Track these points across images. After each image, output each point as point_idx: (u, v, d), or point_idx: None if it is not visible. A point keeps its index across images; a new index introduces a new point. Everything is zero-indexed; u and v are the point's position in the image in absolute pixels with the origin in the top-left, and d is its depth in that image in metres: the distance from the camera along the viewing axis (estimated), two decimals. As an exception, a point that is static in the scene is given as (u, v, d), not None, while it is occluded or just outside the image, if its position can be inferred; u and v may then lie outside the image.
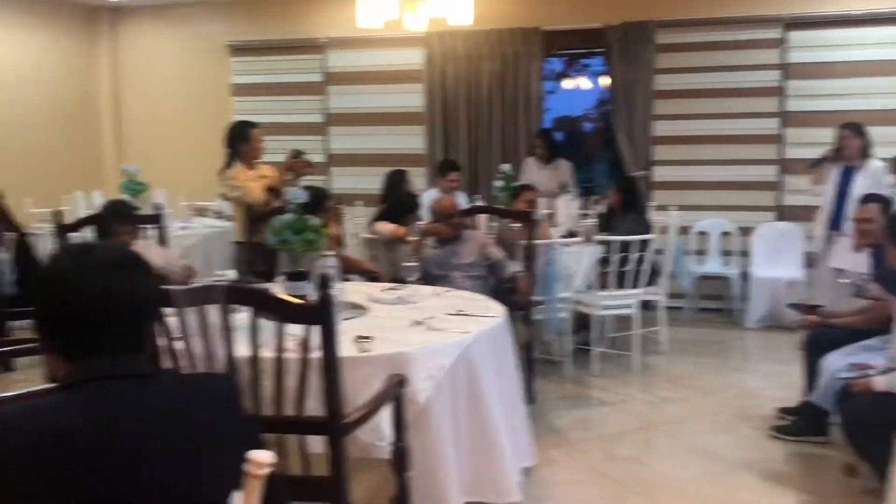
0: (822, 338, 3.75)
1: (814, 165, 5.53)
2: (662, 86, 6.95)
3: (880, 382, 3.07)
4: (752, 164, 6.74)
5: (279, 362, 2.13)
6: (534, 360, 4.58)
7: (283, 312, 2.08)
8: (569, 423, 4.29)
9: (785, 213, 6.70)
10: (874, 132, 6.36)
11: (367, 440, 2.63)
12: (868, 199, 4.02)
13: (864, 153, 5.30)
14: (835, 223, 5.31)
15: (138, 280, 1.35)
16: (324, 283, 2.05)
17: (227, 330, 2.12)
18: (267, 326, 2.19)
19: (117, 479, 1.22)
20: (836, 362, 3.48)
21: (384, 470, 2.64)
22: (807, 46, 6.62)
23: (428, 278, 4.43)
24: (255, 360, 2.14)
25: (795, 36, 6.64)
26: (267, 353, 2.23)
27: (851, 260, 5.06)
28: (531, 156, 6.88)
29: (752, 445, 3.94)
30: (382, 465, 2.64)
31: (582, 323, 5.45)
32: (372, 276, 4.54)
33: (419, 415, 2.67)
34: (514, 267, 4.39)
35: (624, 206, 5.82)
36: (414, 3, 4.92)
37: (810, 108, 6.50)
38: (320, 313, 2.03)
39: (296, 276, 3.14)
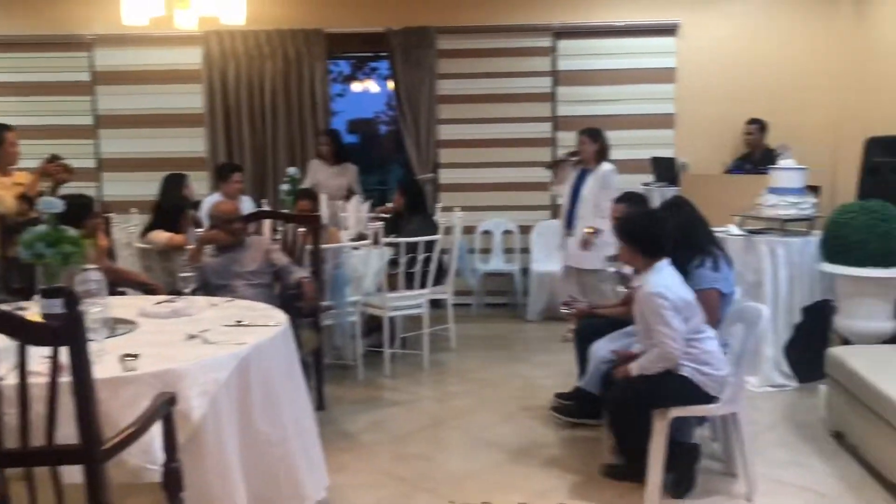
0: (589, 327, 4.03)
1: (551, 167, 5.89)
2: (445, 90, 7.15)
3: (634, 368, 3.33)
4: (528, 166, 7.10)
5: (23, 388, 1.93)
6: (323, 367, 4.54)
7: (24, 334, 1.88)
8: (360, 426, 4.29)
9: (559, 211, 7.13)
10: (638, 135, 6.99)
11: (137, 463, 2.46)
12: (621, 198, 4.33)
13: (599, 157, 5.62)
14: (568, 223, 5.62)
15: None
16: (71, 300, 1.88)
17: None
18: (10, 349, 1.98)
19: None
20: (602, 350, 3.75)
21: (156, 494, 2.48)
22: (574, 55, 7.10)
23: (208, 288, 4.25)
24: (-7, 389, 1.93)
25: (564, 44, 7.09)
26: (10, 378, 2.03)
27: (580, 258, 5.51)
28: (318, 157, 6.79)
29: (533, 433, 4.14)
30: (155, 489, 2.48)
31: (373, 325, 5.48)
32: (148, 289, 4.27)
33: (194, 433, 2.54)
34: (300, 273, 4.31)
35: (410, 208, 5.93)
36: (185, 1, 4.69)
37: (579, 113, 6.96)
38: (67, 333, 1.87)
39: (52, 293, 2.87)
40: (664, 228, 3.36)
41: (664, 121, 7.08)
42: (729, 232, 5.07)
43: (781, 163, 5.03)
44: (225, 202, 4.81)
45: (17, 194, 4.31)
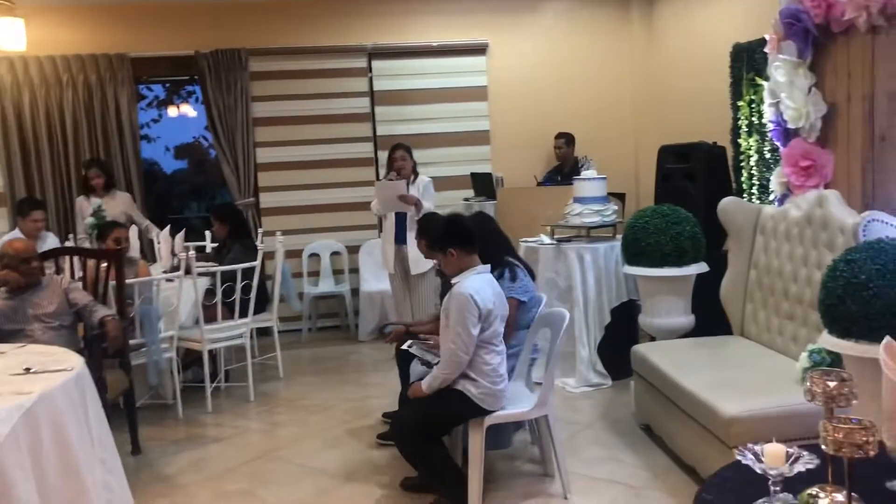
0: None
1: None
2: (261, 113, 7.03)
3: (425, 384, 3.37)
4: (352, 186, 7.11)
5: None
6: (135, 409, 4.30)
7: None
8: (179, 467, 4.08)
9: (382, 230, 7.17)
10: (456, 152, 7.17)
11: None
12: (417, 235, 4.34)
13: (415, 170, 5.68)
14: (399, 237, 5.65)
15: None
16: None
17: None
18: None
19: None
20: (418, 367, 3.78)
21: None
22: (390, 75, 7.18)
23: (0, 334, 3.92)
24: None
25: (378, 65, 7.17)
26: None
27: (419, 264, 5.57)
28: (86, 192, 6.25)
29: (360, 456, 4.11)
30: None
31: (190, 360, 5.26)
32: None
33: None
34: (103, 311, 4.06)
35: (231, 234, 5.75)
36: (-42, 26, 4.33)
37: (398, 132, 7.02)
38: None
39: None
40: (469, 224, 3.43)
41: (480, 137, 7.30)
42: (541, 241, 5.29)
43: (584, 173, 5.31)
44: (18, 240, 4.45)
45: None
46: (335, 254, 7.21)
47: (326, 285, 7.16)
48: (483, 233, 3.65)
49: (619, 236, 5.14)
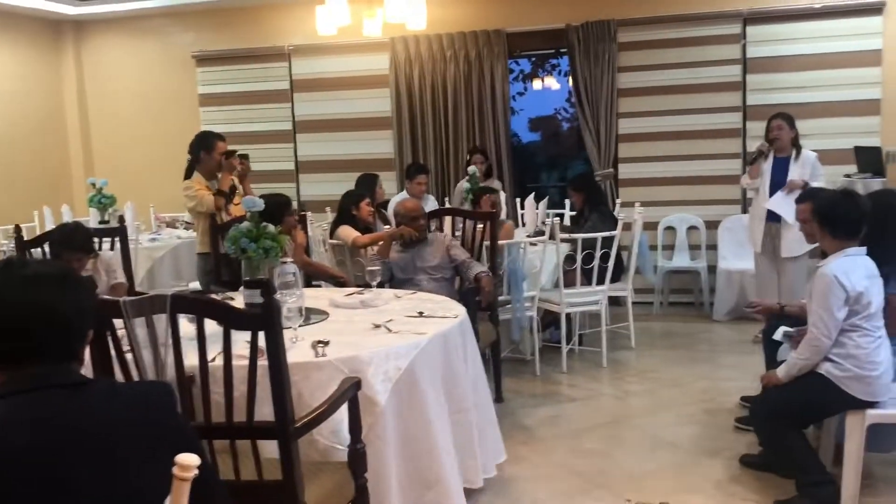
0: (777, 328, 3.81)
1: (751, 162, 5.48)
2: (625, 84, 7.02)
3: (782, 371, 3.15)
4: (715, 158, 6.82)
5: (227, 369, 2.15)
6: (501, 360, 4.62)
7: (227, 320, 2.10)
8: (537, 420, 4.33)
9: (749, 205, 6.78)
10: (837, 123, 6.53)
11: (328, 443, 2.66)
12: (801, 198, 3.94)
13: (795, 143, 5.26)
14: (773, 214, 5.28)
15: (68, 293, 1.40)
16: (267, 290, 2.07)
17: (174, 339, 2.14)
18: (217, 335, 2.21)
19: (43, 488, 1.25)
20: (787, 353, 3.54)
21: (344, 472, 2.65)
22: (764, 41, 6.72)
23: (394, 282, 4.47)
24: (203, 368, 2.16)
25: (753, 31, 6.73)
26: (218, 360, 2.26)
27: (792, 247, 5.14)
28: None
29: (717, 436, 3.99)
30: (342, 468, 2.66)
31: (549, 321, 5.50)
32: (338, 282, 4.56)
33: (378, 417, 2.70)
34: (478, 268, 4.42)
35: (588, 204, 5.88)
36: (372, 10, 4.96)
37: (770, 102, 6.56)
38: (264, 319, 2.05)
39: (254, 285, 3.14)
40: (858, 210, 3.11)
41: (868, 107, 6.52)
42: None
43: None
44: (409, 200, 5.02)
45: (213, 192, 4.67)
46: (692, 228, 7.00)
47: (681, 260, 6.99)
48: (882, 215, 3.27)
49: None
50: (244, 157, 4.78)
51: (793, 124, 5.24)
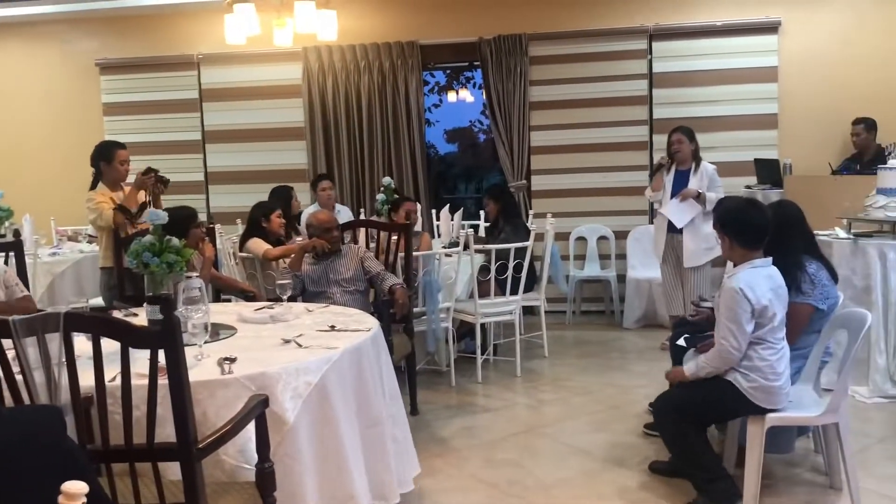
0: (681, 335, 3.92)
1: (653, 175, 5.70)
2: (538, 97, 7.15)
3: (689, 369, 3.27)
4: (623, 170, 7.01)
5: (126, 389, 2.07)
6: (416, 372, 4.61)
7: (124, 337, 2.01)
8: (452, 431, 4.33)
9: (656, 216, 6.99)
10: (738, 137, 6.81)
11: (234, 463, 2.58)
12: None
13: (696, 156, 5.43)
14: (674, 226, 5.46)
15: None
16: (167, 305, 2.00)
17: (69, 359, 2.04)
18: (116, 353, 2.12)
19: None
20: (692, 359, 3.64)
21: (252, 492, 2.59)
22: (669, 56, 6.96)
23: (306, 295, 4.40)
24: (100, 388, 2.07)
25: (658, 46, 6.97)
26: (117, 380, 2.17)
27: (694, 257, 5.36)
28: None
29: (627, 443, 4.07)
30: (250, 488, 2.59)
31: (464, 331, 5.52)
32: (248, 296, 4.46)
33: (286, 434, 2.64)
34: (393, 280, 4.40)
35: (502, 214, 5.95)
36: (282, 20, 4.89)
37: (675, 116, 6.79)
38: (164, 336, 1.98)
39: (157, 300, 3.04)
40: (764, 218, 3.20)
41: (767, 121, 6.84)
42: (835, 235, 4.85)
43: (892, 162, 4.77)
44: (321, 212, 4.96)
45: (114, 207, 4.53)
46: (602, 238, 7.17)
47: (592, 269, 7.15)
48: (783, 226, 3.40)
49: (932, 234, 4.58)
50: (164, 182, 4.62)
51: (692, 137, 5.43)
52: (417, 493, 3.45)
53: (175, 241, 3.17)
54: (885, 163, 5.04)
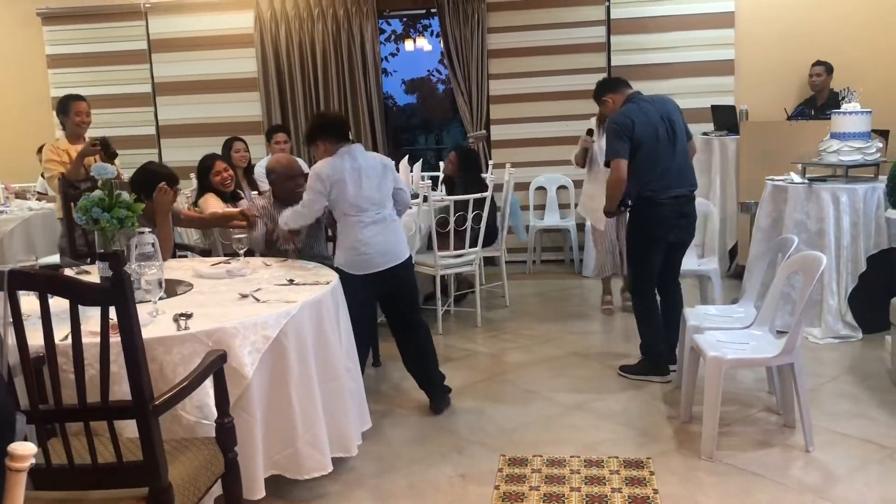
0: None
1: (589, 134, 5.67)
2: (496, 45, 7.05)
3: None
4: (582, 119, 6.92)
5: (76, 347, 2.01)
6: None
7: (73, 295, 1.95)
8: (413, 383, 4.31)
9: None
10: (696, 83, 6.80)
11: (193, 419, 2.55)
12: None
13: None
14: None
15: None
16: (117, 261, 1.94)
17: (15, 318, 1.97)
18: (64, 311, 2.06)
19: None
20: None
21: (212, 448, 2.56)
22: (628, 2, 6.90)
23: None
24: (50, 348, 2.01)
25: (617, -9, 6.89)
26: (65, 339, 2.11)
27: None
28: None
29: (586, 388, 4.12)
30: (210, 444, 2.57)
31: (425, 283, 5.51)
32: (204, 251, 4.37)
33: (245, 389, 2.62)
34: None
35: (461, 167, 5.90)
36: (230, -36, 4.71)
37: (634, 63, 6.77)
38: (113, 293, 1.93)
39: (107, 257, 2.96)
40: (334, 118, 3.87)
41: (723, 67, 6.85)
42: (790, 180, 4.91)
43: (845, 106, 4.82)
44: (283, 156, 4.82)
45: (57, 176, 4.50)
46: (561, 188, 7.17)
47: (552, 219, 7.16)
48: None
49: (883, 177, 4.65)
50: (110, 154, 4.48)
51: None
52: (378, 441, 3.47)
53: (125, 195, 3.08)
54: (840, 107, 5.09)
